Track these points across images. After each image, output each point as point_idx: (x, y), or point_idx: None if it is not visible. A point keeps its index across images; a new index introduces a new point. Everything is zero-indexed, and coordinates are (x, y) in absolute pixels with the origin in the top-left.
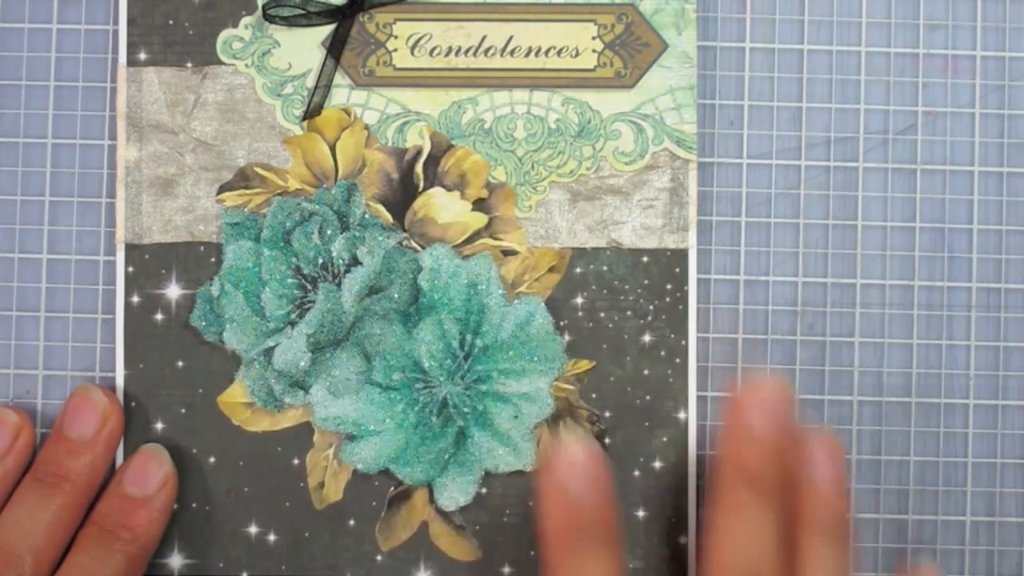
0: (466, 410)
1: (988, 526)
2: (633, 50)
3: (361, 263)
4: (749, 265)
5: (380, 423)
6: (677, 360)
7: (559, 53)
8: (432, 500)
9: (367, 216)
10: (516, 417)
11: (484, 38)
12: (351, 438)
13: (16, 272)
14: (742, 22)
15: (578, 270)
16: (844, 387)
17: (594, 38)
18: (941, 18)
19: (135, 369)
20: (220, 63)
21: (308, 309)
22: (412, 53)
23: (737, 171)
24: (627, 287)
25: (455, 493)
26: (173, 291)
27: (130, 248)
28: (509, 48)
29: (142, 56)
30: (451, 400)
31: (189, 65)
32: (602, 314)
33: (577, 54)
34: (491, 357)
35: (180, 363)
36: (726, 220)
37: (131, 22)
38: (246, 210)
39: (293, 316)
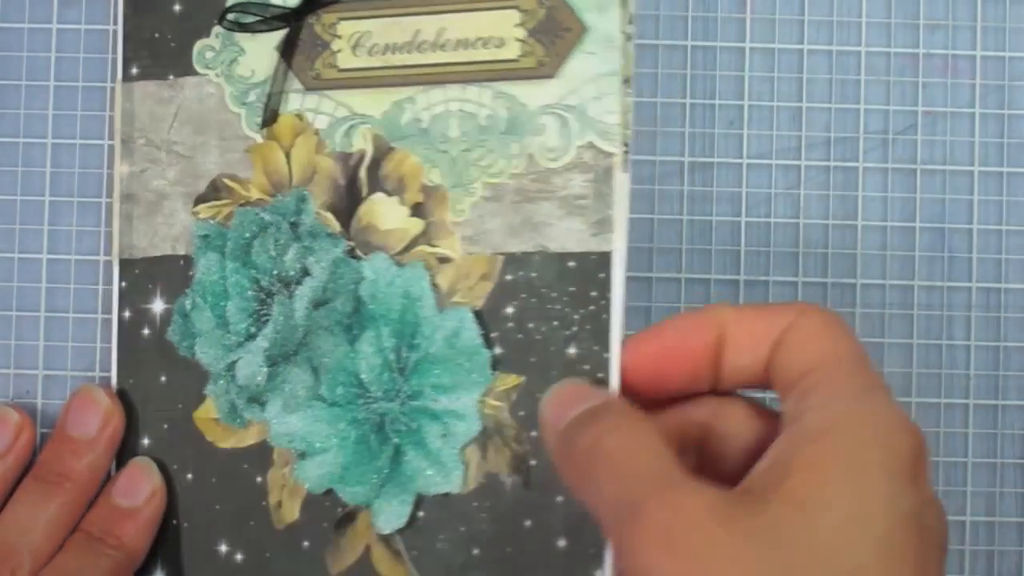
0: (401, 428)
1: (988, 526)
2: (555, 36)
3: (310, 274)
4: (749, 265)
5: (326, 440)
6: (599, 375)
7: (485, 44)
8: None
9: (316, 225)
10: (444, 436)
11: (418, 32)
12: (302, 456)
13: (16, 272)
14: (742, 22)
15: (508, 277)
16: None
17: (517, 26)
18: (941, 18)
19: (126, 384)
20: (196, 73)
21: (267, 322)
22: (354, 53)
23: (737, 171)
24: (554, 295)
25: (390, 516)
26: (158, 306)
27: (123, 263)
28: (440, 42)
29: (134, 71)
30: (388, 417)
31: (171, 77)
32: (531, 324)
33: (501, 44)
34: (424, 372)
35: (163, 378)
36: (725, 220)
37: (127, 38)
38: (213, 222)
39: (252, 330)
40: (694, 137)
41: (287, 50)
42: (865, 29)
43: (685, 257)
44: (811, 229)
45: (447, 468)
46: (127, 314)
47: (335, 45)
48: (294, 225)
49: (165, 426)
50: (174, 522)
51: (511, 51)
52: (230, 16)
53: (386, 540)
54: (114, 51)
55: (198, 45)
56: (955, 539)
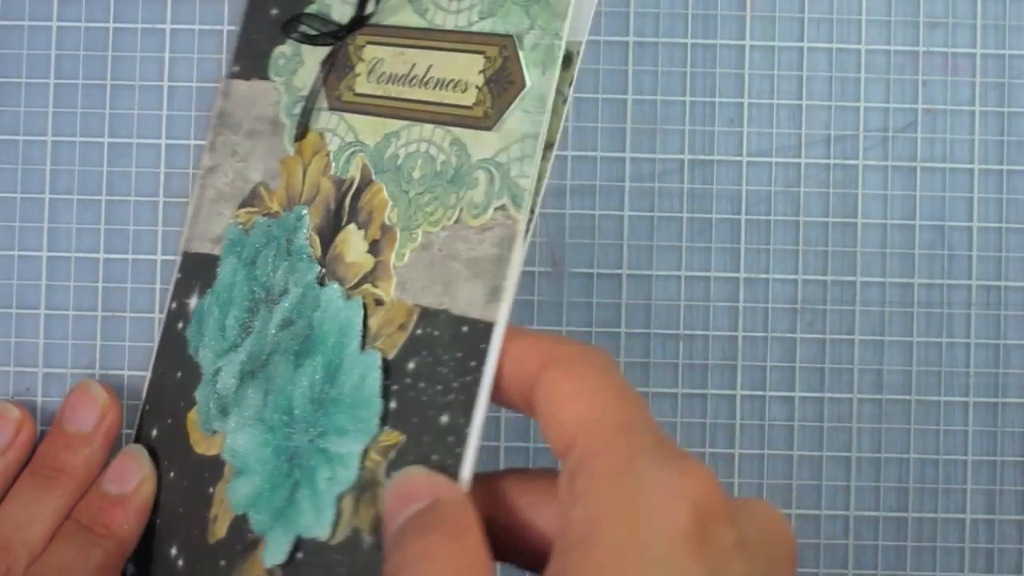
0: (303, 464)
1: (988, 524)
2: (501, 88)
3: (287, 294)
4: (748, 263)
5: (255, 463)
6: (458, 450)
7: (454, 87)
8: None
9: (303, 246)
10: (330, 479)
11: (413, 66)
12: (237, 474)
13: (16, 269)
14: (742, 20)
15: (419, 331)
16: (844, 385)
17: (479, 72)
18: (941, 16)
19: (156, 375)
20: (268, 79)
21: (250, 334)
22: (367, 79)
23: (737, 169)
24: (446, 357)
25: (274, 551)
26: (193, 302)
27: (184, 256)
28: (425, 78)
29: (236, 69)
30: (298, 451)
31: (253, 80)
32: (422, 384)
33: (465, 89)
34: (332, 412)
35: (179, 374)
36: (725, 218)
37: (239, 35)
38: (240, 228)
39: (239, 340)
40: (694, 135)
41: (326, 67)
42: (865, 27)
43: (685, 255)
44: (811, 227)
45: (322, 513)
46: (174, 305)
47: (358, 68)
48: (289, 242)
49: (169, 421)
50: (151, 517)
51: (469, 97)
52: (301, 28)
53: (270, 575)
54: (114, 48)
55: (276, 51)
56: (955, 537)
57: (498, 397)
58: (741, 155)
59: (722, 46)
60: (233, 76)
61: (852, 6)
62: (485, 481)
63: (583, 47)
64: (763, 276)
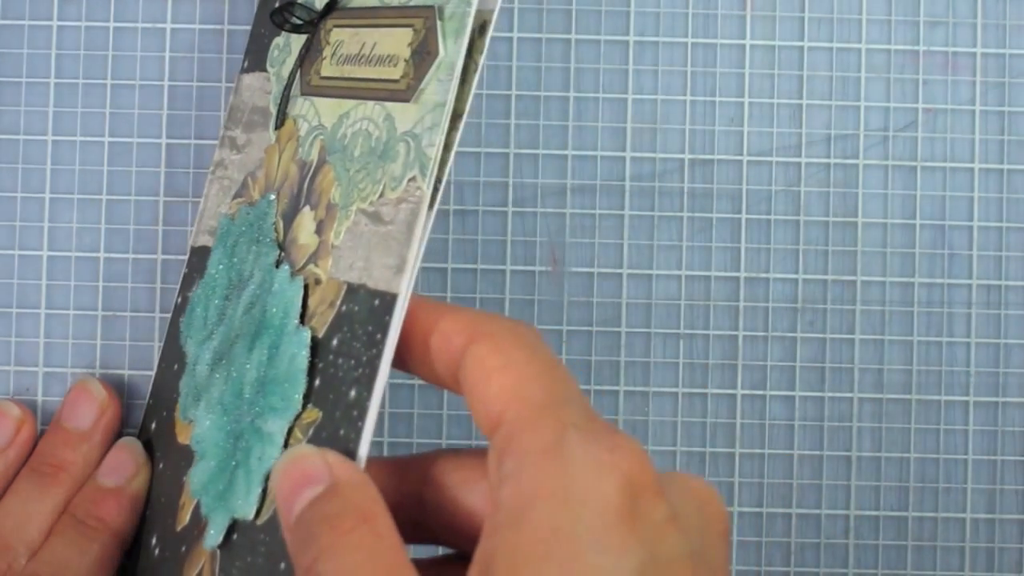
0: (243, 446)
1: (988, 523)
2: (420, 59)
3: (252, 279)
4: (749, 262)
5: (211, 447)
6: (360, 424)
7: (388, 62)
8: None
9: (269, 231)
10: (260, 458)
11: (363, 45)
12: (198, 460)
13: (16, 269)
14: (742, 19)
15: (344, 308)
16: (844, 384)
17: (408, 45)
18: (941, 15)
19: (160, 369)
20: (264, 70)
21: (224, 321)
22: (331, 62)
23: (737, 168)
24: (360, 332)
25: (214, 532)
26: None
27: (191, 250)
28: (370, 56)
29: (245, 63)
30: (242, 432)
31: (256, 72)
32: (340, 360)
33: (396, 63)
34: (270, 391)
35: (175, 366)
36: (726, 217)
37: (252, 29)
38: (228, 218)
39: (215, 328)
40: (694, 134)
41: (302, 54)
42: (865, 26)
43: (685, 254)
44: (811, 226)
45: (251, 492)
46: (179, 300)
47: (324, 52)
48: (259, 228)
49: (164, 413)
50: (144, 509)
51: (398, 71)
52: (292, 19)
53: (211, 558)
54: (115, 48)
55: (273, 43)
56: (955, 536)
57: (427, 375)
58: (741, 155)
59: (722, 45)
60: (243, 71)
61: (852, 5)
62: (416, 459)
63: (495, 15)
64: (763, 275)
